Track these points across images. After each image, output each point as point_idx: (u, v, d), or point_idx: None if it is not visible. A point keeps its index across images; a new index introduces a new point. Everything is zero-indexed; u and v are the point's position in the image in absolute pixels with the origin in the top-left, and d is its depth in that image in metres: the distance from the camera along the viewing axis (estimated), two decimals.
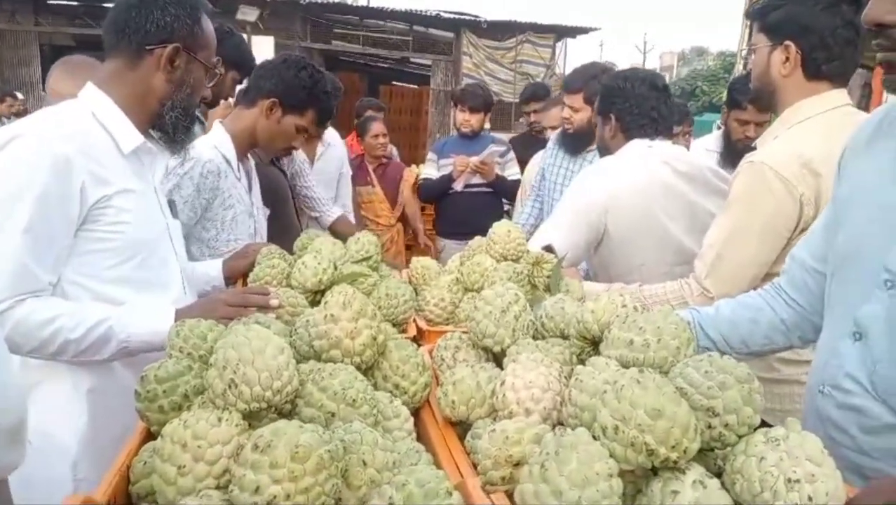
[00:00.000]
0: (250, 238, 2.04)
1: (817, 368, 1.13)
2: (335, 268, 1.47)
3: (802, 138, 1.49)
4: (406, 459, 0.87)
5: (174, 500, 0.77)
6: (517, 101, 6.21)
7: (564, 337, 1.14)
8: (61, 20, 9.77)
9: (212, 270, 1.71)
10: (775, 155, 1.50)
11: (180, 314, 1.28)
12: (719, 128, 3.41)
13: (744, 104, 2.77)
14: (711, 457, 0.81)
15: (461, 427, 1.02)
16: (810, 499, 0.68)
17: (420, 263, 1.76)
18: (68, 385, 1.29)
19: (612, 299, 1.04)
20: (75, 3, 9.65)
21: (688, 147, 3.59)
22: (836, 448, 1.02)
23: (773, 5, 1.54)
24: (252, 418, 0.86)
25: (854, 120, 1.20)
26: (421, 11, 10.29)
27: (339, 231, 2.78)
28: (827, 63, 1.50)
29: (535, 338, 1.14)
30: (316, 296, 1.43)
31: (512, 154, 3.88)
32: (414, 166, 4.78)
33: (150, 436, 0.94)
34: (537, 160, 3.29)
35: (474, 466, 0.88)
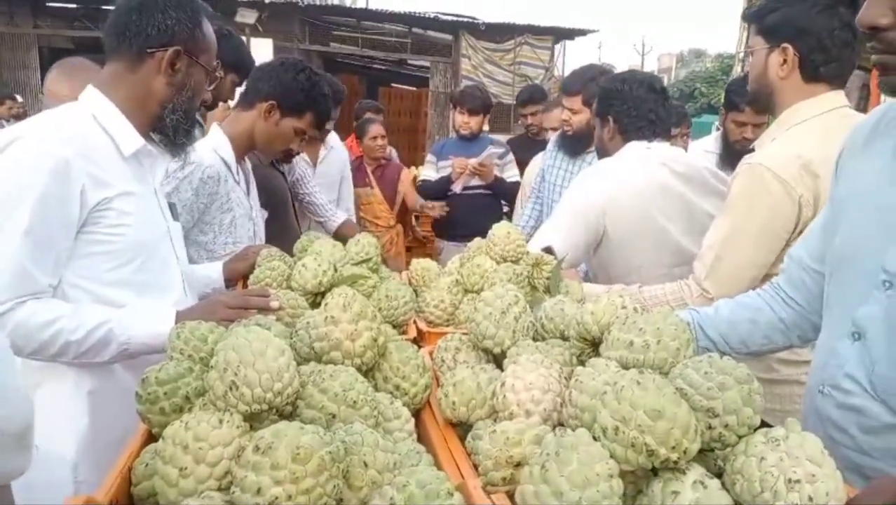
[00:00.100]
0: (249, 241, 2.04)
1: (817, 368, 1.14)
2: (335, 270, 1.47)
3: (800, 140, 1.50)
4: (407, 460, 0.87)
5: (176, 501, 0.77)
6: (515, 103, 6.22)
7: (564, 338, 1.14)
8: (60, 23, 9.76)
9: (212, 272, 1.71)
10: (774, 157, 1.51)
11: (181, 316, 1.28)
12: (718, 129, 3.41)
13: (741, 106, 2.77)
14: (711, 457, 0.81)
15: (462, 428, 1.02)
16: (810, 499, 0.68)
17: (420, 264, 1.76)
18: (69, 387, 1.29)
19: (612, 301, 1.04)
20: (74, 6, 9.64)
21: (685, 149, 3.60)
22: (837, 448, 1.02)
23: (770, 8, 1.55)
24: (253, 420, 0.86)
25: (852, 122, 1.20)
26: (419, 13, 10.30)
27: (344, 235, 2.78)
28: (824, 65, 1.50)
29: (535, 339, 1.14)
30: (316, 298, 1.43)
31: (511, 156, 3.89)
32: (413, 168, 4.78)
33: (151, 438, 0.94)
34: (537, 162, 3.29)
35: (475, 466, 0.88)
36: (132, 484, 0.86)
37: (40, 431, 0.88)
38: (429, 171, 4.03)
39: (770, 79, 1.57)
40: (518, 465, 0.82)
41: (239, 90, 2.47)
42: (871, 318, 1.01)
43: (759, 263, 1.55)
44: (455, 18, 10.45)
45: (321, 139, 3.33)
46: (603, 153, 2.05)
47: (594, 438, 0.74)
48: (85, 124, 1.29)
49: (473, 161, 3.70)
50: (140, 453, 0.89)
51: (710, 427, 0.76)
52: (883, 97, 1.12)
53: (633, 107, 1.92)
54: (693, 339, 0.93)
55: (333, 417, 0.89)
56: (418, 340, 1.44)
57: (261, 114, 1.98)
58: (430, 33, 10.67)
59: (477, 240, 1.70)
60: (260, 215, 2.18)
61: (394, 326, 1.41)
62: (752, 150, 1.64)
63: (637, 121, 1.92)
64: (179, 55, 1.33)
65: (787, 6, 1.52)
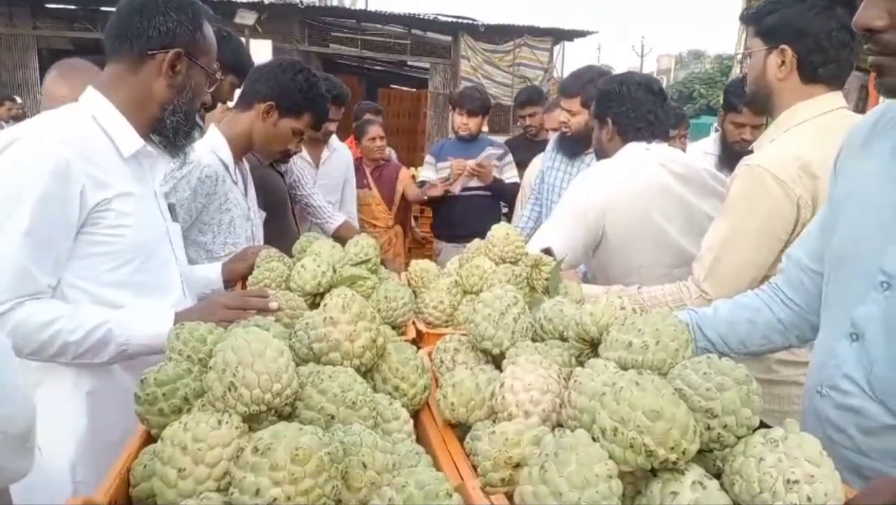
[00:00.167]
0: (247, 241, 2.04)
1: (815, 369, 1.14)
2: (334, 271, 1.47)
3: (799, 141, 1.50)
4: (406, 460, 0.87)
5: (175, 502, 0.77)
6: (515, 104, 6.23)
7: (563, 339, 1.14)
8: (59, 24, 9.77)
9: (211, 273, 1.72)
10: (772, 158, 1.51)
11: (180, 317, 1.28)
12: (716, 131, 3.42)
13: (739, 107, 2.78)
14: (710, 458, 0.81)
15: (461, 429, 1.02)
16: (809, 499, 0.69)
17: (419, 265, 1.76)
18: (68, 387, 1.29)
19: (611, 301, 1.04)
20: (73, 7, 9.65)
21: (683, 150, 3.60)
22: (835, 448, 1.02)
23: (768, 9, 1.55)
24: (252, 421, 0.86)
25: (850, 123, 1.20)
26: (418, 15, 10.31)
27: (343, 237, 2.78)
28: (823, 66, 1.51)
29: (533, 340, 1.14)
30: (315, 298, 1.43)
31: (510, 157, 3.89)
32: (412, 169, 4.78)
33: (150, 439, 0.94)
34: (537, 164, 3.30)
35: (474, 467, 0.88)
36: (131, 485, 0.86)
37: (39, 432, 0.88)
38: (427, 172, 4.03)
39: (768, 80, 1.57)
40: (517, 465, 0.82)
41: (238, 91, 2.47)
42: (870, 318, 1.01)
43: (758, 264, 1.55)
44: (454, 20, 10.47)
45: (324, 141, 3.33)
46: (602, 155, 2.05)
47: (593, 439, 0.74)
48: (85, 125, 1.29)
49: (472, 162, 3.70)
50: (139, 454, 0.89)
51: (708, 428, 0.76)
52: (881, 98, 1.12)
53: (631, 108, 1.92)
54: (692, 339, 0.93)
55: (332, 417, 0.89)
56: (417, 341, 1.44)
57: (259, 114, 1.98)
58: (430, 34, 10.69)
59: (476, 241, 1.70)
60: (258, 216, 2.18)
61: (393, 327, 1.41)
62: (751, 151, 1.64)
63: (636, 122, 1.93)
64: (180, 57, 1.34)
65: (784, 8, 1.52)
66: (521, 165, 3.74)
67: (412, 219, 4.71)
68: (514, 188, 3.75)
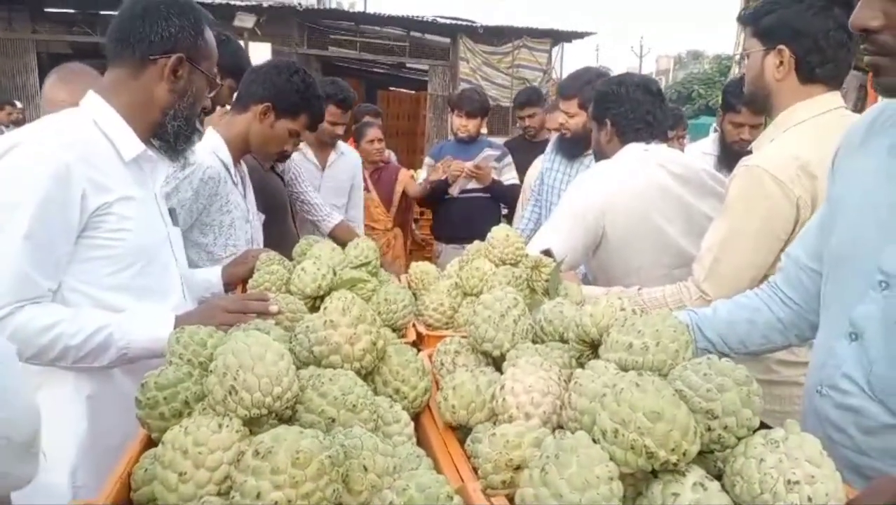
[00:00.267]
0: (247, 244, 2.05)
1: (815, 368, 1.14)
2: (334, 273, 1.47)
3: (798, 141, 1.50)
4: (407, 463, 0.87)
5: None
6: (514, 106, 6.24)
7: (563, 341, 1.14)
8: (58, 28, 9.78)
9: (211, 276, 1.72)
10: (771, 158, 1.51)
11: (180, 321, 1.28)
12: (715, 131, 3.42)
13: (738, 107, 2.78)
14: (711, 459, 0.81)
15: (461, 431, 1.02)
16: (810, 500, 0.69)
17: (419, 267, 1.76)
18: (68, 391, 1.29)
19: (611, 303, 1.04)
20: (72, 12, 9.66)
21: (681, 151, 3.60)
22: (836, 448, 1.02)
23: (766, 10, 1.55)
24: (252, 424, 0.86)
25: (848, 122, 1.20)
26: (417, 17, 10.32)
27: (339, 237, 2.78)
28: (820, 66, 1.51)
29: (534, 342, 1.14)
30: (315, 302, 1.43)
31: (509, 158, 3.89)
32: (411, 171, 4.78)
33: (150, 443, 0.94)
34: (537, 166, 3.30)
35: (475, 470, 0.88)
36: (132, 489, 0.86)
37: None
38: (426, 175, 4.04)
39: (766, 81, 1.57)
40: (518, 468, 0.82)
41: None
42: (868, 318, 1.01)
43: (757, 264, 1.55)
44: (453, 22, 10.48)
45: (331, 144, 3.33)
46: (600, 156, 2.05)
47: (594, 441, 0.74)
48: (86, 129, 1.29)
49: (469, 164, 3.70)
50: (140, 458, 0.89)
51: (709, 429, 0.76)
52: (880, 97, 1.13)
53: (630, 109, 1.92)
54: (692, 340, 0.93)
55: (333, 421, 0.89)
56: (417, 344, 1.44)
57: (256, 116, 1.99)
58: (428, 37, 10.70)
59: (476, 243, 1.70)
60: (257, 218, 2.18)
61: (393, 330, 1.41)
62: (750, 151, 1.64)
63: (634, 123, 1.93)
64: (182, 62, 1.34)
65: (782, 8, 1.52)
66: (521, 166, 3.73)
67: (412, 221, 4.71)
68: (514, 190, 3.75)
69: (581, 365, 1.04)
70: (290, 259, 1.63)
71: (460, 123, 3.86)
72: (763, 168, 1.49)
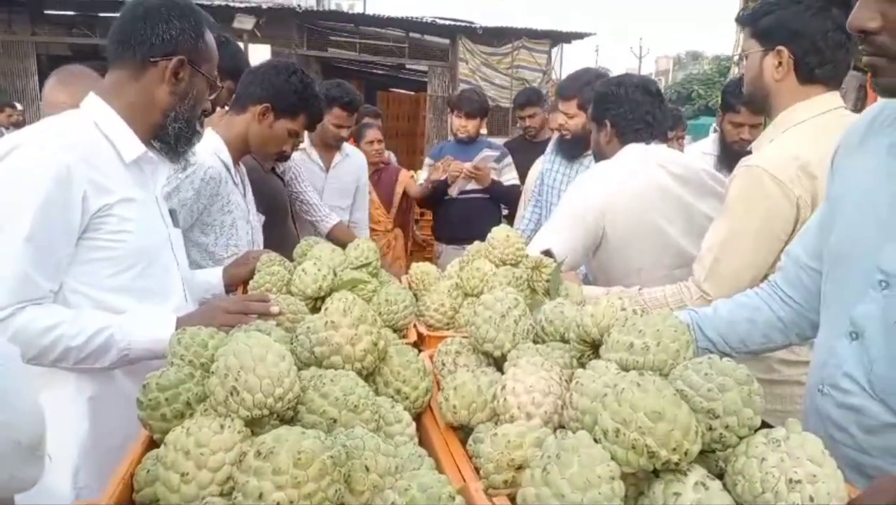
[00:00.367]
0: (248, 244, 2.05)
1: (816, 368, 1.14)
2: (335, 274, 1.47)
3: (797, 141, 1.51)
4: (408, 463, 0.87)
5: None
6: (514, 106, 6.24)
7: (564, 341, 1.15)
8: (58, 30, 9.79)
9: (212, 277, 1.72)
10: (771, 158, 1.51)
11: (181, 322, 1.29)
12: (715, 131, 3.42)
13: (737, 107, 2.79)
14: (713, 458, 0.81)
15: (463, 432, 1.02)
16: (811, 499, 0.69)
17: (419, 268, 1.77)
18: (70, 392, 1.29)
19: (612, 303, 1.04)
20: (72, 14, 9.67)
21: (681, 151, 3.61)
22: (837, 447, 1.03)
23: (764, 11, 1.55)
24: (254, 425, 0.86)
25: (847, 122, 1.21)
26: (417, 18, 10.33)
27: (337, 238, 2.79)
28: (819, 67, 1.51)
29: (535, 342, 1.15)
30: (316, 303, 1.43)
31: (509, 159, 3.89)
32: (412, 172, 4.79)
33: (152, 444, 0.95)
34: (538, 167, 3.30)
35: (476, 470, 0.88)
36: (134, 490, 0.86)
37: None
38: (427, 175, 4.04)
39: (765, 81, 1.57)
40: (519, 467, 0.82)
41: None
42: (869, 317, 1.01)
43: (758, 264, 1.56)
44: (452, 23, 10.48)
45: (336, 147, 3.33)
46: (600, 157, 2.05)
47: (595, 441, 0.75)
48: (86, 131, 1.29)
49: (467, 165, 3.70)
50: (142, 459, 0.89)
51: (710, 428, 0.76)
52: (879, 97, 1.13)
53: (629, 110, 1.93)
54: (693, 340, 0.93)
55: (334, 421, 0.89)
56: (418, 344, 1.45)
57: (255, 117, 2.00)
58: (428, 38, 10.70)
59: (476, 243, 1.70)
60: (257, 219, 2.19)
61: (394, 330, 1.42)
62: (750, 151, 1.64)
63: (634, 123, 1.93)
64: (183, 64, 1.35)
65: (780, 9, 1.52)
66: (521, 167, 3.73)
67: (413, 222, 4.71)
68: (514, 190, 3.74)
69: (582, 365, 1.04)
70: (291, 260, 1.64)
71: (460, 124, 3.87)
72: (763, 168, 1.50)
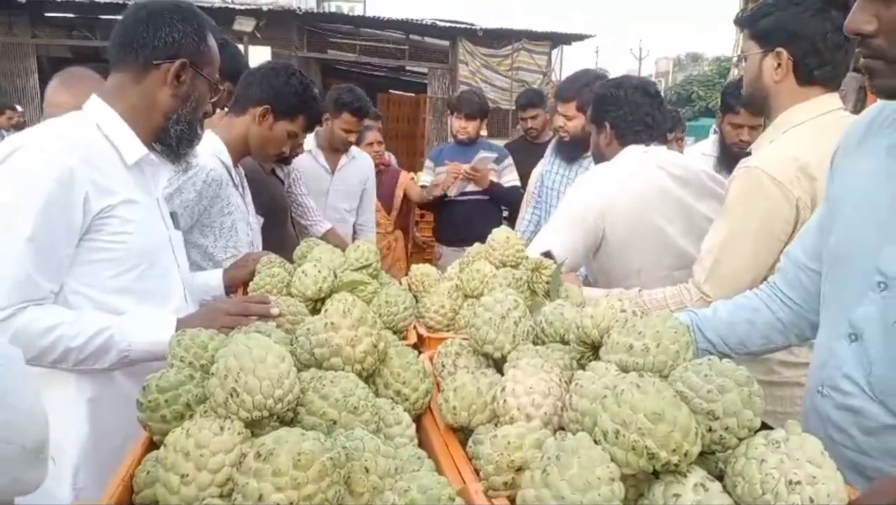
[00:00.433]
0: (248, 245, 2.05)
1: (816, 369, 1.14)
2: (335, 276, 1.47)
3: (797, 143, 1.51)
4: (408, 465, 0.87)
5: None
6: (514, 108, 6.24)
7: (564, 342, 1.15)
8: (58, 32, 9.80)
9: (212, 279, 1.72)
10: (770, 160, 1.52)
11: (181, 324, 1.29)
12: (715, 132, 3.43)
13: (736, 108, 2.79)
14: (712, 460, 0.81)
15: (463, 433, 1.02)
16: (811, 500, 0.69)
17: (420, 270, 1.77)
18: (70, 393, 1.29)
19: (611, 304, 1.04)
20: (72, 16, 9.69)
21: (680, 153, 3.61)
22: (837, 448, 1.03)
23: (763, 12, 1.55)
24: (254, 427, 0.86)
25: (847, 123, 1.21)
26: (417, 20, 10.34)
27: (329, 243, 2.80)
28: (818, 68, 1.51)
29: (535, 343, 1.15)
30: (316, 304, 1.43)
31: (509, 160, 3.88)
32: (412, 174, 4.79)
33: (152, 445, 0.95)
34: (540, 168, 3.30)
35: (476, 471, 0.88)
36: (134, 491, 0.86)
37: None
38: (427, 177, 4.04)
39: (765, 83, 1.57)
40: (519, 469, 0.82)
41: None
42: (868, 319, 1.01)
43: (757, 265, 1.56)
44: (452, 24, 10.49)
45: (344, 150, 3.34)
46: (600, 158, 2.05)
47: (595, 442, 0.75)
48: (88, 133, 1.30)
49: (466, 166, 3.70)
50: (141, 461, 0.89)
51: (710, 430, 0.76)
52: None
53: (629, 111, 1.93)
54: (692, 341, 0.93)
55: (334, 422, 0.89)
56: (418, 346, 1.45)
57: (254, 118, 2.01)
58: (428, 40, 10.71)
59: (476, 245, 1.70)
60: (256, 221, 2.19)
61: (394, 332, 1.41)
62: (749, 153, 1.64)
63: (634, 125, 1.93)
64: (185, 67, 1.35)
65: (779, 10, 1.53)
66: (522, 168, 3.73)
67: (413, 224, 4.71)
68: (514, 192, 3.74)
69: (582, 366, 1.04)
70: (291, 262, 1.64)
71: (460, 125, 3.87)
72: (762, 169, 1.50)
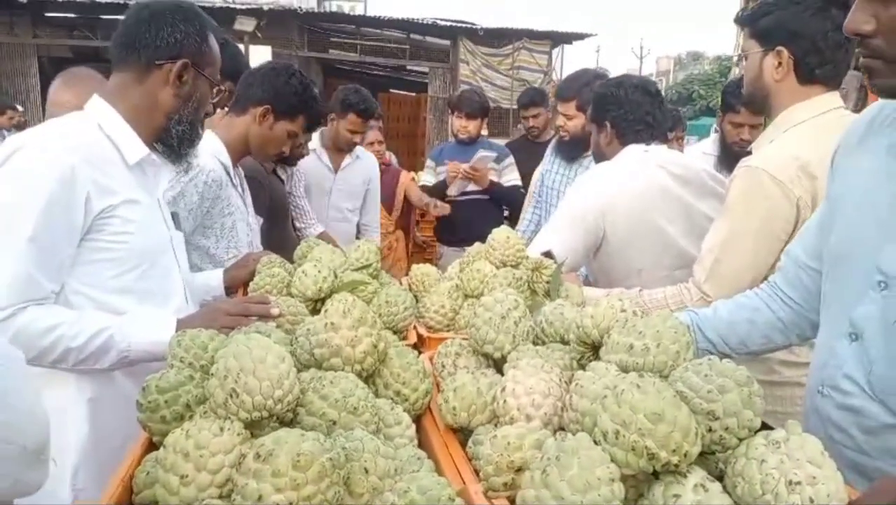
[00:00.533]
0: (248, 245, 2.06)
1: (816, 369, 1.14)
2: (335, 276, 1.47)
3: (797, 142, 1.50)
4: (408, 466, 0.87)
5: None
6: (515, 107, 6.23)
7: (564, 342, 1.14)
8: (59, 32, 9.81)
9: (212, 279, 1.72)
10: (771, 159, 1.51)
11: (181, 324, 1.29)
12: (716, 131, 3.42)
13: (737, 107, 2.79)
14: (713, 460, 0.81)
15: (462, 434, 1.02)
16: (811, 501, 0.69)
17: (420, 269, 1.77)
18: (70, 394, 1.29)
19: (612, 304, 1.04)
20: (73, 16, 9.70)
21: (681, 152, 3.60)
22: (837, 448, 1.02)
23: (763, 11, 1.55)
24: (254, 427, 0.86)
25: (847, 122, 1.21)
26: (417, 19, 10.34)
27: None
28: (819, 67, 1.51)
29: (535, 343, 1.14)
30: (316, 304, 1.43)
31: (510, 160, 3.88)
32: (413, 173, 4.79)
33: (152, 445, 0.95)
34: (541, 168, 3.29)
35: (476, 472, 0.88)
36: (133, 492, 0.86)
37: None
38: (428, 176, 4.04)
39: (765, 82, 1.57)
40: (519, 469, 0.82)
41: None
42: (868, 318, 1.01)
43: (758, 265, 1.55)
44: (453, 24, 10.49)
45: (348, 151, 3.34)
46: (600, 158, 2.05)
47: (595, 443, 0.74)
48: (90, 133, 1.30)
49: (465, 166, 3.70)
50: (141, 461, 0.90)
51: (710, 430, 0.76)
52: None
53: (629, 111, 1.92)
54: (693, 341, 0.93)
55: (334, 423, 0.89)
56: (418, 346, 1.45)
57: (255, 118, 2.01)
58: (429, 39, 10.71)
59: (477, 245, 1.70)
60: (255, 221, 2.19)
61: (394, 332, 1.41)
62: (750, 152, 1.64)
63: (634, 124, 1.93)
64: (187, 68, 1.36)
65: (779, 9, 1.52)
66: (524, 167, 3.73)
67: (414, 223, 4.70)
68: (514, 191, 3.74)
69: (582, 367, 1.04)
70: (291, 262, 1.64)
71: (460, 125, 3.87)
72: (763, 168, 1.49)
